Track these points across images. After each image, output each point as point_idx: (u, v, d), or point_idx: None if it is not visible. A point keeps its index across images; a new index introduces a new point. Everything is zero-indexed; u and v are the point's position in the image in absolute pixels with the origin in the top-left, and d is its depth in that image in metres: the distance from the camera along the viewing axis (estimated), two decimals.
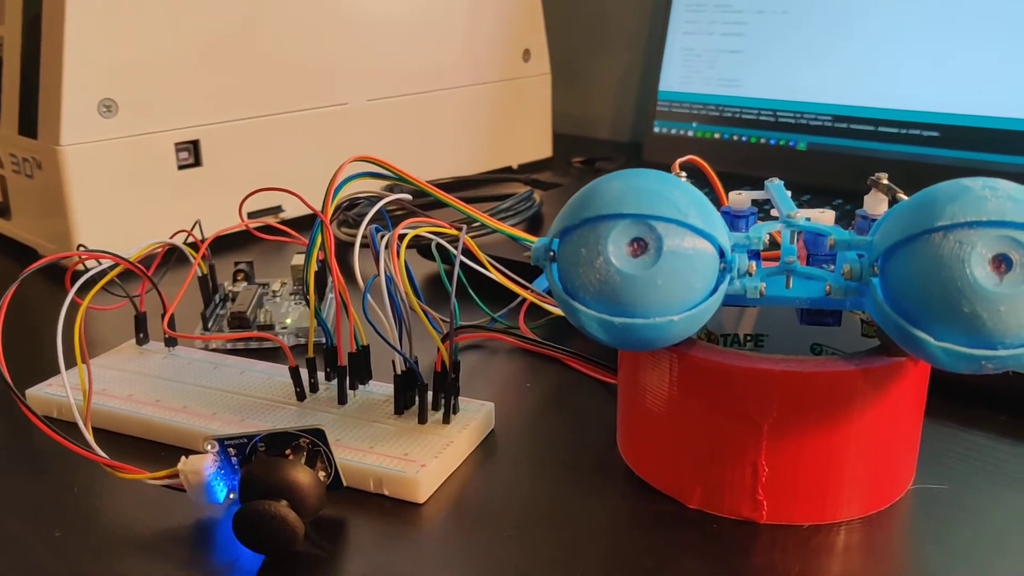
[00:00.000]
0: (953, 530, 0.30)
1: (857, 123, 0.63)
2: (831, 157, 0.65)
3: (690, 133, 0.71)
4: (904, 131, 0.61)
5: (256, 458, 0.30)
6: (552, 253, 0.28)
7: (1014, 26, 0.57)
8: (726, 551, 0.29)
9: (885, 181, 0.31)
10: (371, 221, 0.37)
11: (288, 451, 0.30)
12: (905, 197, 0.30)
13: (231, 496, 0.31)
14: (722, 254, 0.27)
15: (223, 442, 0.30)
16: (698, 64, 0.71)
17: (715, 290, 0.27)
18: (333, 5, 0.64)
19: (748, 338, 0.38)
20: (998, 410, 0.36)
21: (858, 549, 0.29)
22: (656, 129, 0.73)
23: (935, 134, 0.60)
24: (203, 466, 0.30)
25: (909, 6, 0.61)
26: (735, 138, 0.69)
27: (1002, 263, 0.24)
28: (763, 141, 0.68)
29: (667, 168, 0.68)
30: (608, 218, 0.26)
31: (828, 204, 0.60)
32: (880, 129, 0.62)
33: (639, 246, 0.26)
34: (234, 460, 0.30)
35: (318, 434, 0.30)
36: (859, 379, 0.28)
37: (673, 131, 0.72)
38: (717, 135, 0.70)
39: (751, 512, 0.30)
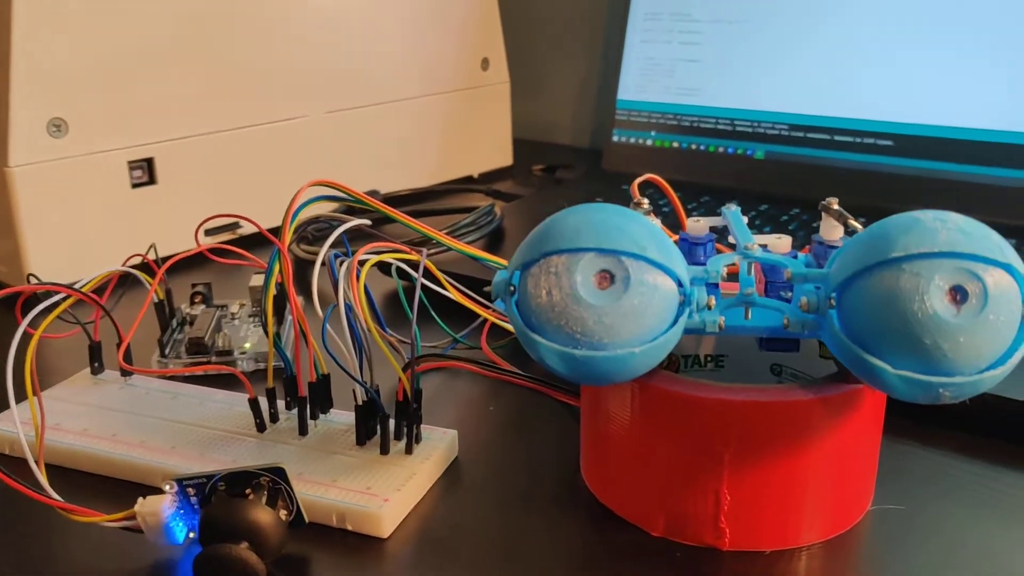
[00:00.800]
0: (911, 551, 0.30)
1: (813, 132, 0.64)
2: (788, 166, 0.65)
3: (648, 142, 0.71)
4: (859, 140, 0.62)
5: (216, 498, 0.30)
6: (512, 287, 0.28)
7: (967, 37, 0.58)
8: None
9: (836, 207, 0.32)
10: (331, 246, 0.37)
11: (248, 490, 0.30)
12: (856, 224, 0.31)
13: (191, 536, 0.30)
14: (680, 285, 0.27)
15: (182, 482, 0.30)
16: (656, 73, 0.71)
17: (675, 323, 0.27)
18: (288, 16, 0.63)
19: (708, 359, 0.38)
20: (953, 428, 0.37)
21: (820, 574, 0.30)
22: (615, 138, 0.73)
23: (889, 143, 0.61)
24: (161, 507, 0.30)
25: (865, 17, 0.61)
26: (693, 147, 0.69)
27: (958, 294, 0.25)
28: (721, 150, 0.68)
29: (629, 178, 0.68)
30: (572, 251, 0.26)
31: (785, 213, 0.60)
32: (836, 138, 0.63)
33: (606, 278, 0.26)
34: (193, 500, 0.30)
35: (279, 472, 0.30)
36: (818, 407, 0.29)
37: (632, 140, 0.72)
38: (675, 144, 0.70)
39: (714, 540, 0.30)
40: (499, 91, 0.79)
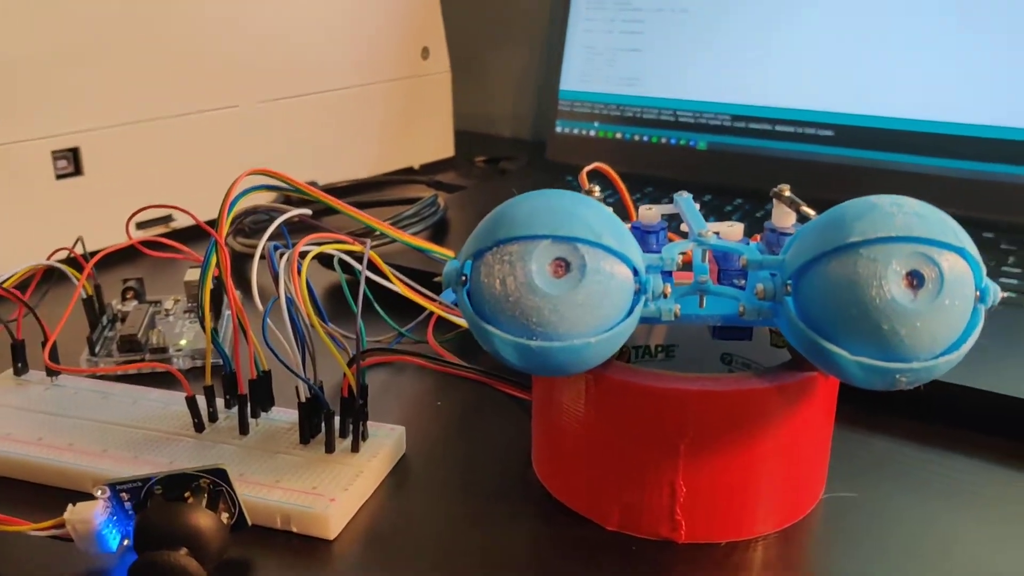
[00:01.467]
0: (864, 538, 0.30)
1: (755, 122, 0.64)
2: (731, 156, 0.65)
3: (592, 133, 0.71)
4: (800, 130, 0.63)
5: (152, 503, 0.28)
6: (464, 277, 0.27)
7: (905, 28, 0.59)
8: (646, 573, 0.29)
9: (788, 193, 0.32)
10: (270, 238, 0.36)
11: (187, 494, 0.28)
12: (809, 209, 0.30)
13: (125, 543, 0.29)
14: (635, 273, 0.27)
15: (115, 487, 0.28)
16: (598, 63, 0.70)
17: (631, 312, 0.26)
18: (219, 3, 0.61)
19: (659, 349, 0.37)
20: (901, 415, 0.37)
21: (775, 564, 0.29)
22: (558, 129, 0.73)
23: (830, 133, 0.62)
24: (93, 514, 0.28)
25: (806, 7, 0.62)
26: (636, 138, 0.69)
27: (914, 279, 0.25)
28: (664, 141, 0.68)
29: (574, 169, 0.67)
30: (527, 239, 0.25)
31: (729, 203, 0.60)
32: (777, 128, 0.63)
33: (562, 266, 0.25)
34: (127, 505, 0.28)
35: (220, 474, 0.28)
36: (773, 395, 0.28)
37: (575, 131, 0.72)
38: (619, 135, 0.70)
39: (670, 532, 0.30)
40: (440, 80, 0.78)
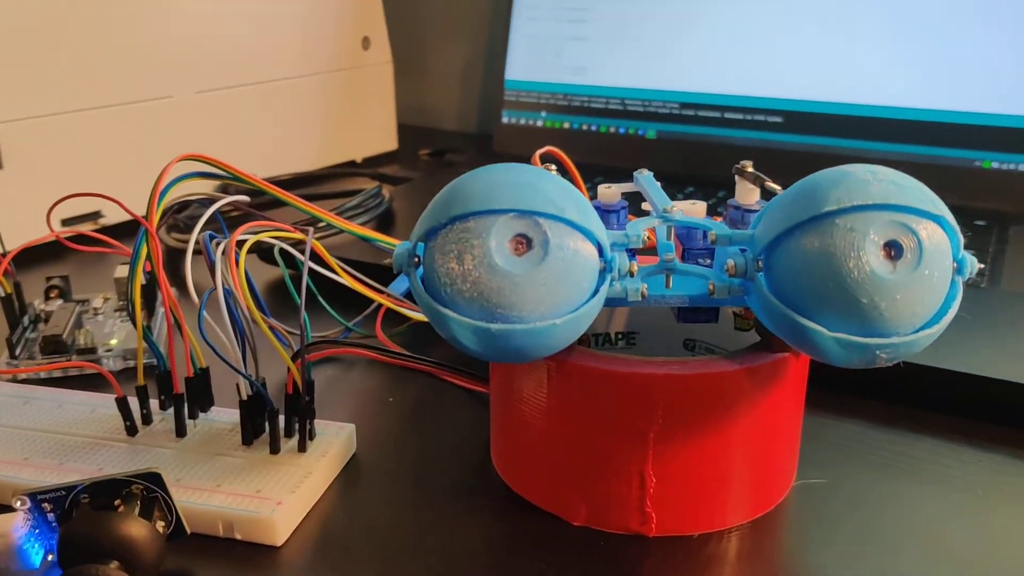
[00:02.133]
0: (837, 524, 0.29)
1: (704, 110, 0.63)
2: (680, 144, 0.65)
3: (539, 123, 0.70)
4: (749, 117, 0.62)
5: (79, 513, 0.26)
6: (417, 258, 0.25)
7: (854, 12, 0.58)
8: (616, 569, 0.27)
9: (750, 169, 0.30)
10: (204, 226, 0.33)
11: (118, 501, 0.26)
12: (774, 184, 0.29)
13: (49, 558, 0.26)
14: (600, 251, 0.25)
15: (36, 496, 0.26)
16: (544, 52, 0.69)
17: (596, 292, 0.25)
18: None
19: (620, 336, 0.36)
20: (868, 396, 0.36)
21: (750, 554, 0.28)
22: (504, 119, 0.71)
23: (779, 120, 0.61)
24: (11, 527, 0.25)
25: None
26: (584, 127, 0.68)
27: (892, 249, 0.23)
28: (613, 130, 0.67)
29: (522, 160, 0.66)
30: (484, 214, 0.23)
31: (680, 192, 0.59)
32: (726, 115, 0.63)
33: (523, 243, 0.24)
34: (51, 516, 0.26)
35: (153, 478, 0.26)
36: (743, 378, 0.27)
37: (522, 121, 0.70)
38: (566, 124, 0.69)
39: (640, 526, 0.28)
40: (381, 71, 0.75)
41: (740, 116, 0.62)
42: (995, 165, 0.56)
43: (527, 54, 0.70)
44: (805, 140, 0.60)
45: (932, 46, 0.56)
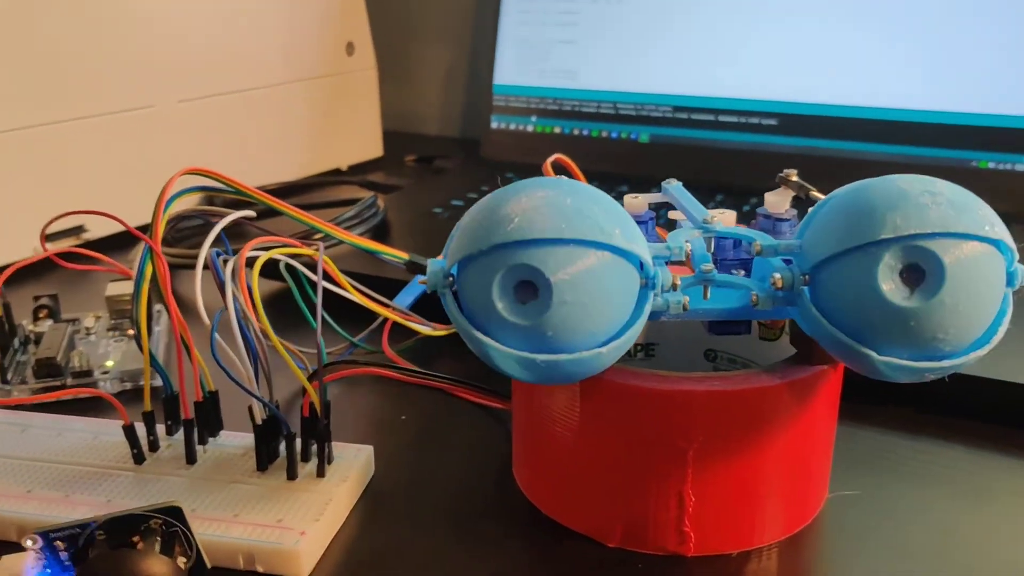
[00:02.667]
0: (874, 537, 0.29)
1: (698, 113, 0.63)
2: (674, 148, 0.64)
3: (530, 128, 0.69)
4: (744, 120, 0.61)
5: (94, 552, 0.24)
6: (451, 278, 0.24)
7: (848, 14, 0.58)
8: None
9: (795, 178, 0.30)
10: (212, 244, 0.32)
11: (136, 537, 0.24)
12: (820, 195, 0.28)
13: None
14: (641, 267, 0.24)
15: (48, 535, 0.24)
16: (533, 56, 0.68)
17: (639, 310, 0.24)
18: None
19: (639, 348, 0.35)
20: (892, 403, 0.36)
21: (788, 573, 0.27)
22: (494, 124, 0.70)
23: (774, 122, 0.61)
24: (23, 568, 0.24)
25: None
26: (576, 132, 0.67)
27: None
28: (605, 134, 0.66)
29: (512, 166, 0.64)
30: (531, 244, 0.22)
31: None
32: (720, 119, 0.62)
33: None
34: (64, 556, 0.24)
35: (174, 512, 0.25)
36: (785, 392, 0.26)
37: (512, 126, 0.69)
38: (558, 129, 0.68)
39: (677, 546, 0.27)
40: (366, 78, 0.74)
41: (734, 119, 0.62)
42: (991, 165, 0.56)
43: (516, 58, 0.69)
44: (800, 142, 0.60)
45: (927, 47, 0.56)
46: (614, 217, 0.23)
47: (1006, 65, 0.55)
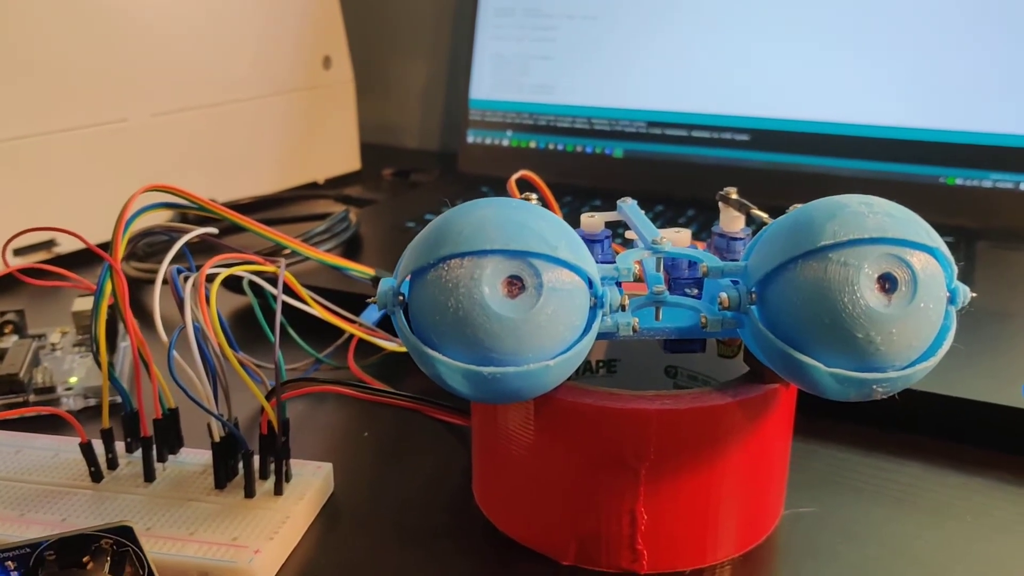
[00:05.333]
0: (828, 553, 0.29)
1: (671, 128, 0.63)
2: (648, 163, 0.64)
3: (505, 142, 0.69)
4: (716, 135, 0.62)
5: (44, 572, 0.24)
6: (402, 296, 0.24)
7: (819, 32, 0.59)
8: None
9: (735, 196, 0.30)
10: (173, 260, 0.32)
11: (87, 558, 0.24)
12: (760, 212, 0.29)
13: None
14: (590, 285, 0.24)
15: None
16: (509, 71, 0.68)
17: (588, 329, 0.24)
18: (104, 7, 0.56)
19: (600, 364, 0.35)
20: (850, 420, 0.36)
21: None
22: (470, 138, 0.70)
23: (745, 138, 0.61)
24: None
25: (719, 13, 0.61)
26: (551, 147, 0.68)
27: (887, 282, 0.23)
28: (580, 149, 0.67)
29: (488, 179, 0.65)
30: (474, 254, 0.23)
31: (649, 210, 0.59)
32: (693, 134, 0.63)
33: (516, 285, 0.23)
34: (14, 575, 0.24)
35: (124, 532, 0.25)
36: (736, 410, 0.27)
37: (488, 140, 0.70)
38: (533, 144, 0.68)
39: (631, 563, 0.28)
40: (343, 91, 0.74)
41: (707, 134, 0.62)
42: (959, 181, 0.56)
43: (492, 73, 0.69)
44: (772, 158, 0.60)
45: (896, 65, 0.57)
46: (559, 233, 0.24)
47: (974, 82, 0.55)
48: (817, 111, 0.59)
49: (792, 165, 0.60)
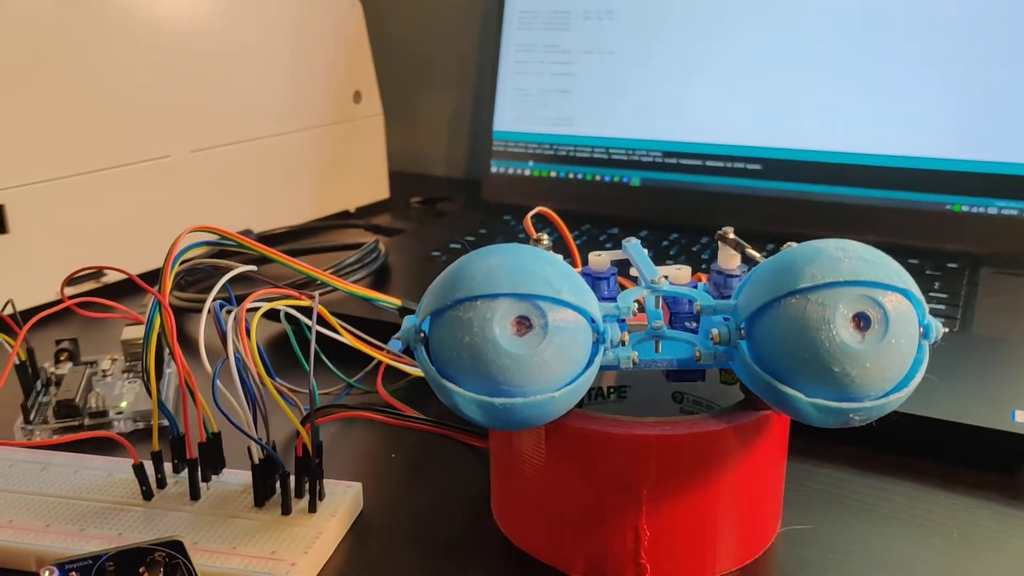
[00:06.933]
0: (821, 569, 0.31)
1: (686, 158, 0.66)
2: (663, 192, 0.67)
3: (527, 172, 0.72)
4: (729, 165, 0.64)
5: None
6: (423, 334, 0.27)
7: (827, 64, 0.61)
8: None
9: (732, 236, 0.32)
10: (216, 296, 0.35)
11: (142, 569, 0.27)
12: (754, 252, 0.31)
13: None
14: (592, 322, 0.27)
15: (64, 566, 0.27)
16: (530, 104, 0.71)
17: (591, 363, 0.27)
18: (148, 52, 0.60)
19: (611, 390, 0.38)
20: (846, 442, 0.38)
21: None
22: (493, 168, 0.73)
23: (758, 167, 0.63)
24: None
25: (733, 46, 0.64)
26: (571, 176, 0.70)
27: (861, 320, 0.25)
28: (598, 178, 0.69)
29: (510, 208, 0.67)
30: (486, 298, 0.25)
31: (665, 239, 0.62)
32: (707, 163, 0.65)
33: (524, 325, 0.26)
34: None
35: (176, 546, 0.27)
36: (730, 436, 0.29)
37: (510, 170, 0.73)
38: (553, 173, 0.71)
39: None
40: (372, 124, 0.78)
41: (721, 164, 0.65)
42: (965, 209, 0.58)
43: (514, 106, 0.72)
44: (783, 187, 0.63)
45: (905, 96, 0.59)
46: (563, 277, 0.26)
47: (979, 112, 0.57)
48: (827, 141, 0.61)
49: (803, 194, 0.62)
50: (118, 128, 0.58)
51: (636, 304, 0.28)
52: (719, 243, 0.33)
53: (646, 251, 0.33)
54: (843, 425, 0.26)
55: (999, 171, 0.57)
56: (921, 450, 0.37)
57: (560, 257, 0.29)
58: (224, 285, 0.38)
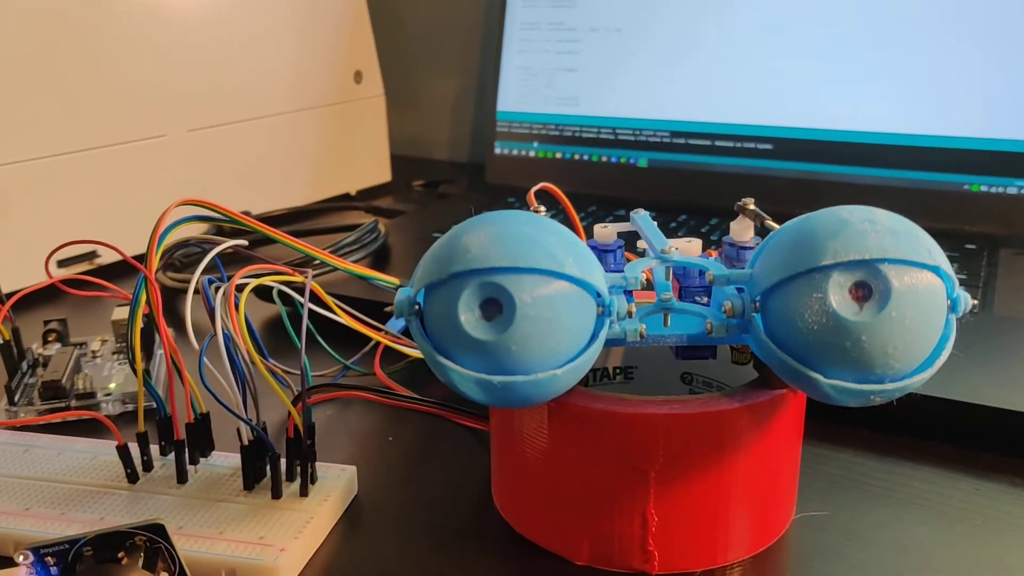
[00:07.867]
0: (838, 556, 0.29)
1: (695, 138, 0.64)
2: (671, 173, 0.65)
3: (532, 153, 0.70)
4: (739, 144, 0.62)
5: (82, 567, 0.26)
6: (418, 306, 0.25)
7: (841, 41, 0.59)
8: None
9: (752, 207, 0.31)
10: (204, 271, 0.33)
11: (121, 553, 0.26)
12: (774, 224, 0.30)
13: None
14: (598, 295, 0.25)
15: (39, 551, 0.26)
16: (535, 83, 0.70)
17: (595, 337, 0.25)
18: (144, 28, 0.58)
19: (618, 371, 0.36)
20: (864, 426, 0.37)
21: None
22: (497, 150, 0.72)
23: (769, 147, 0.62)
24: None
25: (741, 24, 0.62)
26: (577, 157, 0.69)
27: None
28: (604, 159, 0.68)
29: (514, 190, 0.66)
30: (481, 272, 0.24)
31: (673, 220, 0.60)
32: (717, 144, 0.63)
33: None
34: (54, 571, 0.26)
35: (157, 529, 0.26)
36: (744, 416, 0.27)
37: (514, 151, 0.71)
38: (559, 154, 0.69)
39: (642, 564, 0.28)
40: (374, 105, 0.76)
41: (730, 144, 0.63)
42: (984, 188, 0.56)
43: (518, 85, 0.70)
44: (795, 167, 0.61)
45: (920, 73, 0.57)
46: (567, 248, 0.25)
47: (996, 90, 0.55)
48: (840, 120, 0.59)
49: (815, 174, 0.60)
50: (111, 106, 0.57)
51: (644, 276, 0.27)
52: (739, 214, 0.31)
53: (655, 223, 0.31)
54: (863, 405, 0.25)
55: (1018, 149, 0.55)
56: (940, 433, 0.36)
57: (566, 228, 0.27)
58: (215, 262, 0.36)
